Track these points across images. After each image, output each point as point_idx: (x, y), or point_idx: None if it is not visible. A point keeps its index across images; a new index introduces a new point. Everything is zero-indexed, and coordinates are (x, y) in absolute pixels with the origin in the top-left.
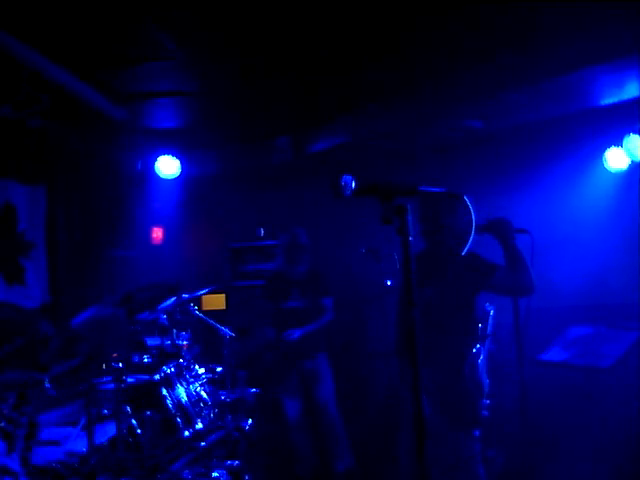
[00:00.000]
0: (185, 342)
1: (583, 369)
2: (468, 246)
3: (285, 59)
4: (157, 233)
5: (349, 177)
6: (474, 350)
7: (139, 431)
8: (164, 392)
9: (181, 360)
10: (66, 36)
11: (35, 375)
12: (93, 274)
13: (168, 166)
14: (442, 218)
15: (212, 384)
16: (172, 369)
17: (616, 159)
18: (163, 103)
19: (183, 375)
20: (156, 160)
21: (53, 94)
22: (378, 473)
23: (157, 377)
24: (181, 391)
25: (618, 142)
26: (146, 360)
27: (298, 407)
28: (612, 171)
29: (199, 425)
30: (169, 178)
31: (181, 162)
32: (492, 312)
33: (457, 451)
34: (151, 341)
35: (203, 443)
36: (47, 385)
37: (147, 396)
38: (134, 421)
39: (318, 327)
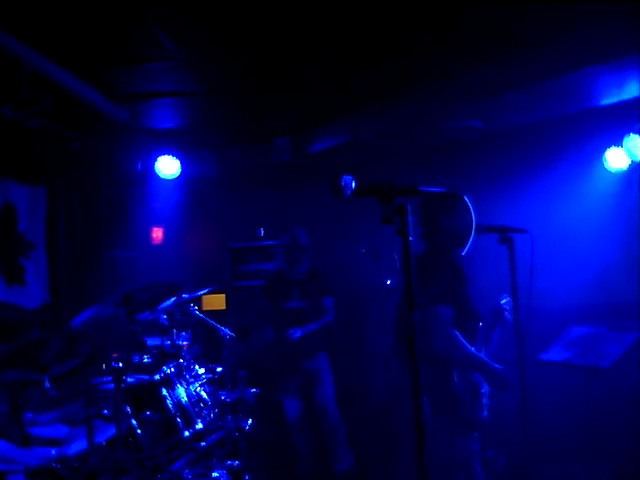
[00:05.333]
0: (185, 342)
1: (583, 369)
2: (468, 246)
3: (285, 59)
4: (157, 233)
5: (349, 177)
6: None
7: (139, 431)
8: (164, 392)
9: (181, 360)
10: (66, 36)
11: (35, 375)
12: (93, 274)
13: (168, 166)
14: (442, 219)
15: (212, 384)
16: (172, 369)
17: (616, 159)
18: (163, 103)
19: (183, 375)
20: (156, 160)
21: (53, 94)
22: (378, 473)
23: (157, 377)
24: (181, 391)
25: (618, 142)
26: (146, 360)
27: (298, 407)
28: (612, 171)
29: (199, 425)
30: (169, 178)
31: (181, 162)
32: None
33: (454, 451)
34: (151, 341)
35: (203, 443)
36: (47, 385)
37: (147, 396)
38: (134, 421)
39: (319, 327)
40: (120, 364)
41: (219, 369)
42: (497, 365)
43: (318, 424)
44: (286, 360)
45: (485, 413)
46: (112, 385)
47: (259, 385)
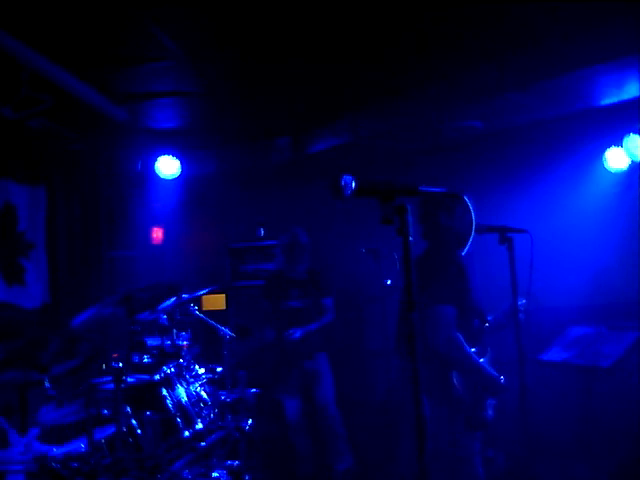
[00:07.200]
0: (185, 342)
1: (583, 369)
2: (468, 246)
3: (285, 59)
4: (157, 233)
5: (349, 177)
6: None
7: (139, 431)
8: (164, 392)
9: (181, 360)
10: (66, 36)
11: (35, 375)
12: (93, 274)
13: (168, 166)
14: (442, 219)
15: (212, 384)
16: (172, 369)
17: (616, 159)
18: (163, 103)
19: (183, 375)
20: (156, 160)
21: (53, 94)
22: (378, 473)
23: (157, 377)
24: (181, 391)
25: (618, 142)
26: (146, 360)
27: (298, 407)
28: (612, 171)
29: (199, 425)
30: (169, 178)
31: (181, 162)
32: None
33: (455, 450)
34: (151, 341)
35: (203, 443)
36: (47, 385)
37: (147, 396)
38: (134, 421)
39: (319, 327)
40: (120, 364)
41: (219, 369)
42: (493, 372)
43: (318, 424)
44: (286, 360)
45: (490, 412)
46: (112, 385)
47: (259, 385)
